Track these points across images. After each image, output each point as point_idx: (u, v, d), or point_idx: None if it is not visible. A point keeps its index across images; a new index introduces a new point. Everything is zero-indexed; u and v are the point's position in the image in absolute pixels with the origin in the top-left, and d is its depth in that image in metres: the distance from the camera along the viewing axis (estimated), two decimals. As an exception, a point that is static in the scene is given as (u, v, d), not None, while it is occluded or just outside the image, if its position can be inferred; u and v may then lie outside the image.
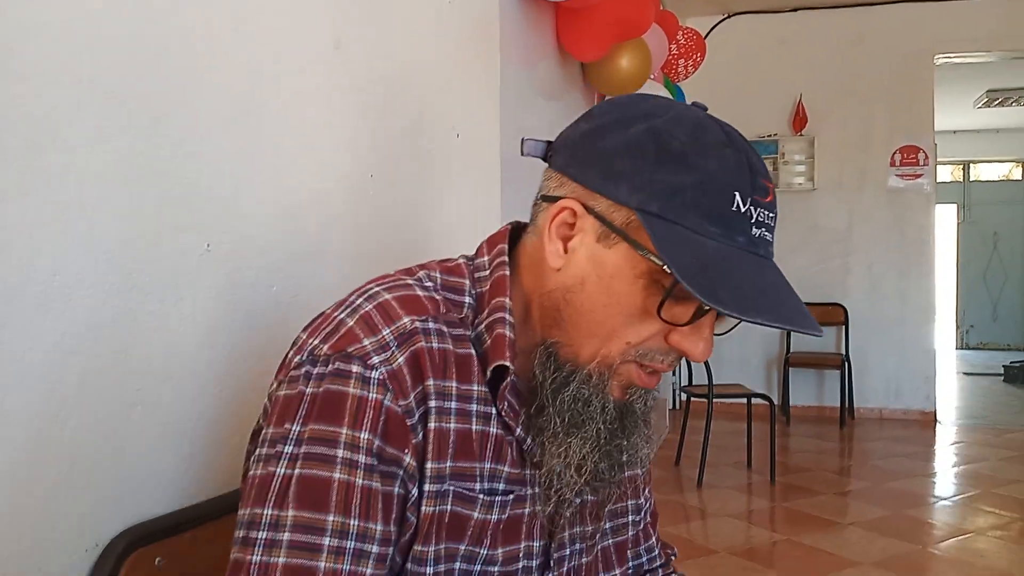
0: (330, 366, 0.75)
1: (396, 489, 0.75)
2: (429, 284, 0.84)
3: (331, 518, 0.71)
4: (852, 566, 3.27)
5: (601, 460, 0.82)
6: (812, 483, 4.55)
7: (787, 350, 6.51)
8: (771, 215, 0.77)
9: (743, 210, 0.74)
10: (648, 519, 1.07)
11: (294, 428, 0.73)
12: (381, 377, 0.75)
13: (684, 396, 5.11)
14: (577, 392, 0.79)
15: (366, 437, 0.73)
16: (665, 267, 0.72)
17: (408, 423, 0.76)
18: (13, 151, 0.80)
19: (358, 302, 0.80)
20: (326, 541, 0.70)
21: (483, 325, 0.83)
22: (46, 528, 0.85)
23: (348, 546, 0.71)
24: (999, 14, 6.05)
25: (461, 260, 0.90)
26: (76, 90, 0.87)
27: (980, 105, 8.82)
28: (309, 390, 0.75)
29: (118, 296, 0.93)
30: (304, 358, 0.77)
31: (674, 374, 6.53)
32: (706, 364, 4.51)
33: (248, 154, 1.15)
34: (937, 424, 6.24)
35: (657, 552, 1.08)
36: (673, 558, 1.12)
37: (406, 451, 0.75)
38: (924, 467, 5.05)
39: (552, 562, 0.88)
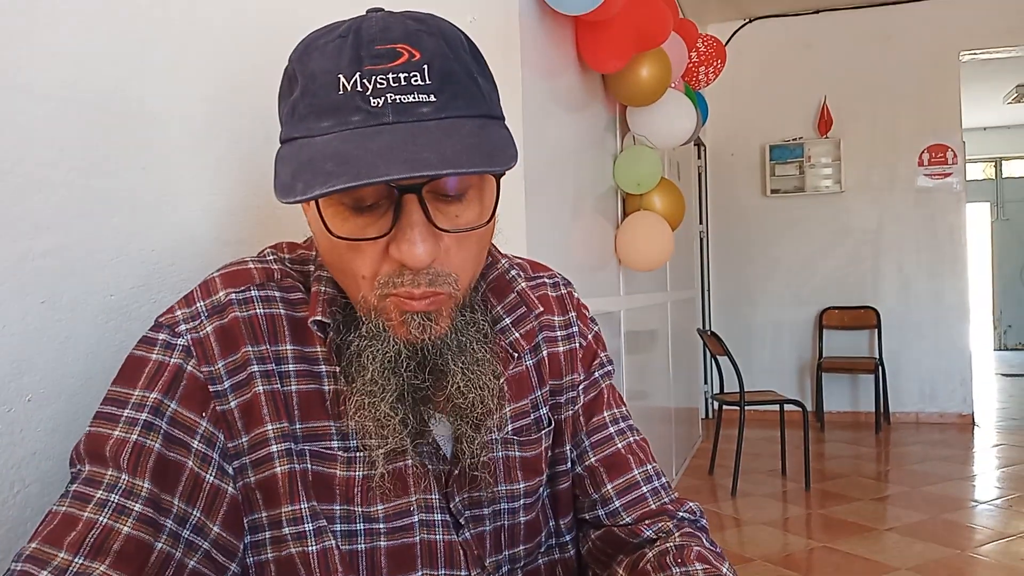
0: (145, 335, 0.80)
1: (189, 461, 0.76)
2: (271, 258, 0.87)
3: (109, 472, 0.73)
4: (890, 572, 3.23)
5: (408, 409, 0.78)
6: (848, 489, 4.50)
7: (820, 355, 6.45)
8: (398, 76, 0.69)
9: (351, 89, 0.69)
10: (587, 476, 0.96)
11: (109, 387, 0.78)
12: (185, 344, 0.78)
13: (716, 404, 5.08)
14: (364, 345, 0.77)
15: (154, 397, 0.76)
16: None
17: (211, 389, 0.78)
18: None
19: (196, 286, 0.84)
20: (98, 494, 0.72)
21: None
22: None
23: (112, 499, 0.72)
24: (1024, 9, 5.99)
25: None
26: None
27: (1010, 100, 8.69)
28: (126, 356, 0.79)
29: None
30: None
31: (705, 382, 6.50)
32: (737, 372, 4.48)
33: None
34: (975, 427, 6.14)
35: (618, 507, 0.95)
36: (675, 532, 0.96)
37: (203, 416, 0.78)
38: (962, 471, 4.97)
39: (463, 520, 0.86)
